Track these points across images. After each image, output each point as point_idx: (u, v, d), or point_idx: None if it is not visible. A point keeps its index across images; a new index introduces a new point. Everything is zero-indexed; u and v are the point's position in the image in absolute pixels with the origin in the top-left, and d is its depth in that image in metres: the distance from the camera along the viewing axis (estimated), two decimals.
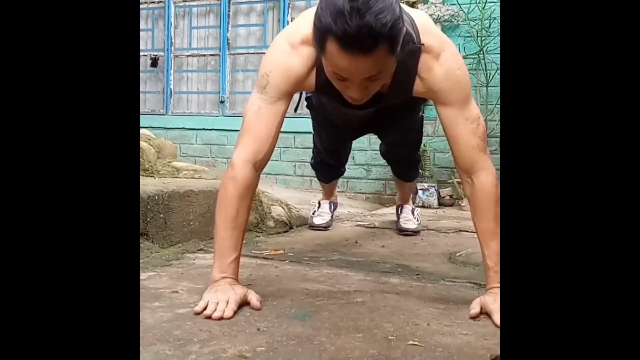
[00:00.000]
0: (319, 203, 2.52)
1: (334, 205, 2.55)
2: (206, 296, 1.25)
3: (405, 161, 2.33)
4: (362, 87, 1.21)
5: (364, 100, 1.27)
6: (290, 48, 1.33)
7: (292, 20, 4.19)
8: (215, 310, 1.20)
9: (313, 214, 2.48)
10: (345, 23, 1.08)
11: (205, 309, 1.21)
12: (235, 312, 1.21)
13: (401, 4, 1.17)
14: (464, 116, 1.33)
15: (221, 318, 1.18)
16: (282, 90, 1.34)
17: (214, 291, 1.25)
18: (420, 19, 1.37)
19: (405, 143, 2.15)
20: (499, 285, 1.22)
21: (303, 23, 1.32)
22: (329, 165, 2.33)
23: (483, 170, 1.33)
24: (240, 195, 1.31)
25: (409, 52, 1.29)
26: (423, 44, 1.31)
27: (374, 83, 1.22)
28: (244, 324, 1.16)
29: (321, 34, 1.14)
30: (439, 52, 1.32)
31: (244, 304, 1.26)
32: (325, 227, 2.42)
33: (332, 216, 2.51)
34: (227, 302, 1.22)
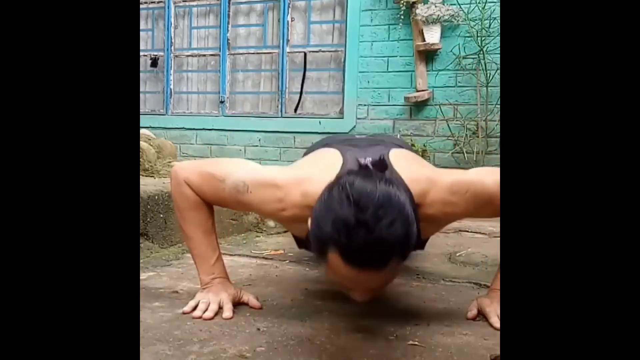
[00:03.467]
0: None
1: None
2: (198, 296, 1.25)
3: None
4: (368, 290, 1.05)
5: (367, 300, 1.08)
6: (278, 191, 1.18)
7: (292, 20, 4.20)
8: (207, 310, 1.20)
9: None
10: (351, 238, 0.91)
11: (195, 308, 1.21)
12: (234, 312, 1.21)
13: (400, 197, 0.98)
14: (485, 213, 1.22)
15: (212, 318, 1.18)
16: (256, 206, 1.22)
17: (207, 291, 1.25)
18: (405, 171, 1.18)
19: None
20: (499, 288, 1.22)
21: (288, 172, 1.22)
22: None
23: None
24: (196, 205, 1.26)
25: None
26: (418, 206, 1.12)
27: (382, 288, 1.08)
28: (244, 324, 1.16)
29: (321, 244, 0.97)
30: (439, 206, 1.17)
31: (239, 303, 1.26)
32: None
33: None
34: (220, 303, 1.22)
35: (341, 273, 0.97)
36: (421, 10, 3.54)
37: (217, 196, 1.24)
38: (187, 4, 4.56)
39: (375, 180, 0.97)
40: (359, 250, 0.92)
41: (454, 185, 1.17)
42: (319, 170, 1.20)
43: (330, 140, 1.49)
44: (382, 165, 1.11)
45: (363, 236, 0.91)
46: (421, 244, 1.42)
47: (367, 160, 1.15)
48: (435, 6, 3.53)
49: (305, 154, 1.53)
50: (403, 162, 1.21)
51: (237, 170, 1.23)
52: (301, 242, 1.58)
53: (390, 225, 0.92)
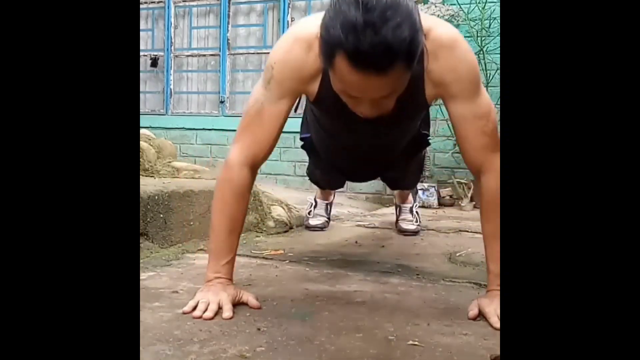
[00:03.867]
0: (315, 201, 2.48)
1: (330, 206, 2.53)
2: (198, 296, 1.25)
3: (405, 187, 2.32)
4: (374, 103, 1.09)
5: (374, 115, 1.15)
6: (299, 42, 1.21)
7: (292, 21, 4.20)
8: (206, 310, 1.20)
9: (309, 213, 2.46)
10: (357, 38, 0.94)
11: (194, 308, 1.21)
12: (234, 312, 1.21)
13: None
14: (472, 112, 1.24)
15: (212, 318, 1.18)
16: (286, 87, 1.25)
17: (206, 291, 1.25)
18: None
19: (407, 176, 2.11)
20: (498, 288, 1.22)
21: (317, 19, 1.19)
22: (326, 186, 2.33)
23: (490, 172, 1.25)
24: (237, 197, 1.28)
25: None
26: (425, 35, 1.13)
27: (388, 99, 1.11)
28: (244, 324, 1.16)
29: (329, 47, 1.00)
30: (444, 43, 1.20)
31: (238, 303, 1.26)
32: (321, 229, 2.41)
33: (329, 217, 2.50)
34: (219, 303, 1.22)
35: (347, 79, 1.00)
36: (421, 11, 3.54)
37: (264, 116, 1.25)
38: (187, 4, 4.56)
39: None
40: (365, 51, 0.94)
41: (469, 63, 1.22)
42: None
43: None
44: None
45: (369, 37, 0.93)
46: (426, 139, 1.70)
47: None
48: (435, 6, 3.53)
49: None
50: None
51: (255, 89, 1.29)
52: (306, 144, 1.77)
53: (397, 27, 0.94)
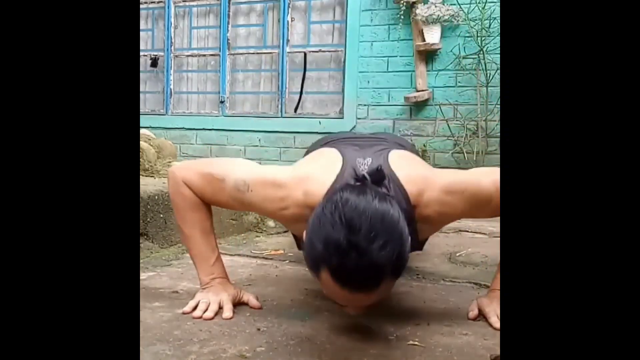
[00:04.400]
0: None
1: None
2: (198, 296, 1.25)
3: None
4: (362, 308, 1.06)
5: (362, 313, 1.09)
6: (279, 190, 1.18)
7: (292, 20, 4.20)
8: (207, 310, 1.20)
9: None
10: (342, 260, 0.91)
11: (195, 308, 1.21)
12: (234, 312, 1.21)
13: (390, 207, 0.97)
14: (482, 214, 1.21)
15: (212, 318, 1.18)
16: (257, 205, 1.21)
17: (207, 291, 1.25)
18: (402, 171, 1.17)
19: None
20: (499, 288, 1.22)
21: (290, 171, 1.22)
22: None
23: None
24: (195, 207, 1.26)
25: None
26: (414, 206, 1.14)
27: (376, 304, 1.06)
28: (244, 324, 1.16)
29: (314, 262, 0.97)
30: (435, 206, 1.16)
31: (239, 303, 1.26)
32: None
33: None
34: (220, 303, 1.22)
35: (333, 291, 0.97)
36: (421, 10, 3.54)
37: (217, 196, 1.23)
38: (187, 4, 4.56)
39: (369, 197, 0.97)
40: (350, 273, 0.92)
41: (450, 185, 1.17)
42: (320, 169, 1.20)
43: (330, 138, 1.48)
44: (379, 176, 1.11)
45: (354, 259, 0.90)
46: (419, 245, 1.42)
47: (365, 168, 1.16)
48: (435, 6, 3.53)
49: (307, 152, 1.53)
50: (401, 163, 1.21)
51: (237, 170, 1.23)
52: (301, 242, 1.58)
53: (382, 247, 0.91)
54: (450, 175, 1.23)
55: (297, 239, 1.47)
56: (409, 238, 0.99)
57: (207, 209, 1.28)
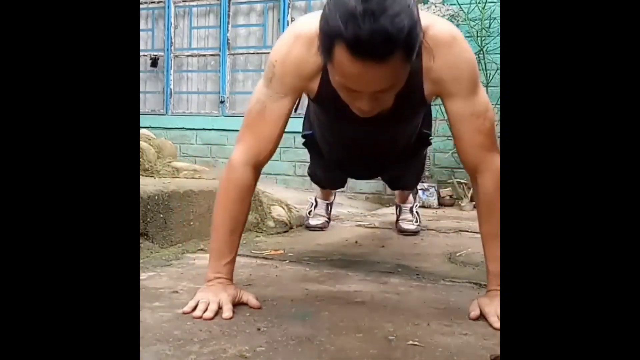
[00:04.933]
0: (316, 201, 2.48)
1: (330, 206, 2.53)
2: (198, 296, 1.25)
3: (406, 187, 2.32)
4: (373, 97, 1.09)
5: (374, 112, 1.15)
6: (300, 40, 1.22)
7: (292, 21, 4.20)
8: (206, 310, 1.20)
9: (309, 213, 2.47)
10: (357, 27, 0.96)
11: (194, 308, 1.21)
12: (234, 312, 1.21)
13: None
14: (470, 110, 1.24)
15: (212, 318, 1.18)
16: (288, 85, 1.25)
17: (206, 291, 1.25)
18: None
19: (408, 176, 2.11)
20: (497, 288, 1.22)
21: (316, 17, 1.19)
22: (327, 185, 2.34)
23: (487, 172, 1.25)
24: (240, 197, 1.29)
25: None
26: (423, 33, 1.13)
27: (386, 94, 1.11)
28: (244, 324, 1.16)
29: (329, 39, 1.01)
30: (442, 40, 1.19)
31: (238, 303, 1.26)
32: (321, 229, 2.41)
33: (329, 217, 2.50)
34: (219, 303, 1.22)
35: (347, 70, 1.01)
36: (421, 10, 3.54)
37: (266, 114, 1.26)
38: (187, 4, 4.56)
39: None
40: (365, 39, 0.96)
41: (469, 63, 1.23)
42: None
43: None
44: None
45: (368, 25, 0.95)
46: (427, 138, 1.71)
47: None
48: (435, 6, 3.53)
49: None
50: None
51: (259, 83, 1.29)
52: (308, 141, 1.79)
53: (396, 16, 0.96)
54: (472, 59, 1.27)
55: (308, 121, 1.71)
56: (420, 26, 1.03)
57: (249, 202, 1.30)
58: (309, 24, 1.21)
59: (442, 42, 1.20)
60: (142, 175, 2.41)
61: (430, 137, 1.81)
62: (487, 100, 1.28)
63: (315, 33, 1.10)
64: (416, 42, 1.02)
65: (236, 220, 1.29)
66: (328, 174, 2.10)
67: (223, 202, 1.30)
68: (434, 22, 1.21)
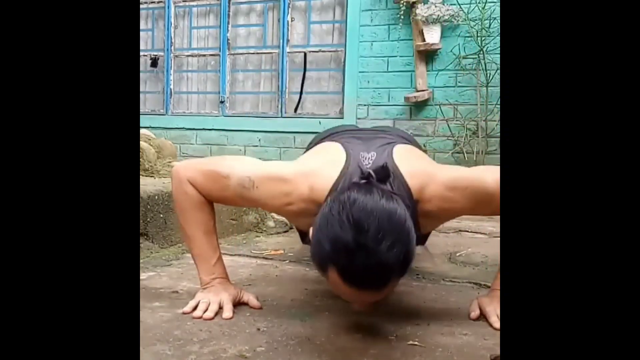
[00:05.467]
0: None
1: None
2: (198, 296, 1.25)
3: None
4: (368, 304, 1.06)
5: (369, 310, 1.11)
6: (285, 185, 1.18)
7: (292, 20, 4.20)
8: (207, 310, 1.20)
9: None
10: (350, 260, 0.92)
11: (195, 308, 1.21)
12: (234, 312, 1.21)
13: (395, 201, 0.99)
14: (483, 211, 1.21)
15: (212, 318, 1.18)
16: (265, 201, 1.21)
17: (207, 292, 1.25)
18: (406, 166, 1.18)
19: None
20: (499, 288, 1.22)
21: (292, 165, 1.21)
22: None
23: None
24: (198, 206, 1.25)
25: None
26: (416, 201, 1.15)
27: (382, 300, 1.07)
28: (244, 324, 1.16)
29: (321, 261, 0.98)
30: (437, 201, 1.16)
31: (239, 303, 1.26)
32: None
33: None
34: (220, 303, 1.22)
35: (341, 290, 0.98)
36: (421, 10, 3.54)
37: (222, 193, 1.23)
38: (187, 4, 4.56)
39: (377, 197, 0.97)
40: (359, 272, 0.93)
41: (453, 180, 1.18)
42: (324, 164, 1.21)
43: (333, 131, 1.48)
44: (384, 173, 1.11)
45: (362, 259, 0.91)
46: (422, 239, 1.43)
47: (369, 163, 1.16)
48: (435, 6, 3.53)
49: (309, 146, 1.53)
50: (405, 157, 1.22)
51: (242, 166, 1.23)
52: (306, 237, 1.59)
53: (390, 247, 0.92)
54: (454, 171, 1.24)
55: (302, 234, 1.48)
56: (415, 236, 0.99)
57: (211, 208, 1.28)
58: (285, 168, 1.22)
59: (438, 200, 1.17)
60: (142, 175, 2.42)
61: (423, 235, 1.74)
62: (491, 189, 1.15)
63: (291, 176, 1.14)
64: (411, 261, 0.99)
65: (205, 224, 1.27)
66: None
67: (184, 213, 1.27)
68: (429, 179, 1.17)
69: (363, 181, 1.09)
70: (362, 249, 0.91)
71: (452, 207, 1.19)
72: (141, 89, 4.57)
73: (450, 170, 1.26)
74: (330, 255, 0.94)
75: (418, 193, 1.15)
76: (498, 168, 1.17)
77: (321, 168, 1.19)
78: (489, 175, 1.16)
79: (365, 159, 1.19)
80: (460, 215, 1.27)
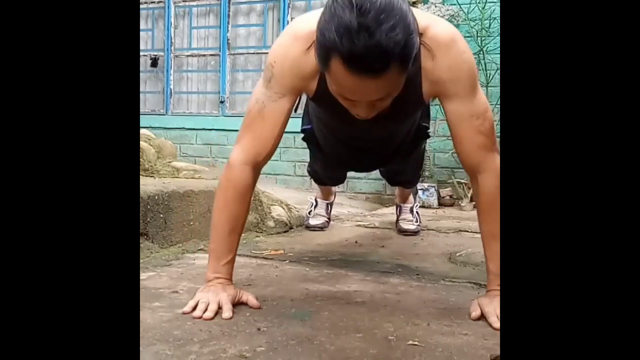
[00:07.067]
0: (316, 201, 2.48)
1: (330, 206, 2.53)
2: (198, 296, 1.25)
3: (405, 182, 2.32)
4: (370, 105, 1.10)
5: (371, 116, 1.16)
6: (298, 40, 1.21)
7: (291, 20, 4.20)
8: (206, 310, 1.20)
9: (309, 213, 2.47)
10: (352, 42, 0.95)
11: (194, 308, 1.21)
12: (233, 312, 1.21)
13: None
14: (469, 111, 1.23)
15: (212, 318, 1.18)
16: (286, 85, 1.25)
17: (206, 291, 1.25)
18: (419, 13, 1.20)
19: (407, 170, 2.12)
20: (498, 288, 1.22)
21: (314, 17, 1.17)
22: (327, 181, 2.34)
23: (487, 171, 1.25)
24: (239, 197, 1.28)
25: None
26: (422, 34, 1.14)
27: (383, 101, 1.11)
28: (244, 324, 1.16)
29: (324, 51, 1.01)
30: (441, 41, 1.19)
31: (238, 303, 1.26)
32: (321, 228, 2.41)
33: (329, 217, 2.50)
34: (219, 303, 1.22)
35: (343, 82, 1.02)
36: (421, 10, 3.55)
37: (266, 115, 1.26)
38: (187, 4, 4.56)
39: None
40: (360, 54, 0.95)
41: (457, 61, 1.20)
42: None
43: None
44: None
45: (364, 40, 0.94)
46: (425, 132, 1.71)
47: None
48: (435, 6, 3.53)
49: None
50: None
51: (257, 87, 1.29)
52: (307, 136, 1.78)
53: (391, 29, 0.95)
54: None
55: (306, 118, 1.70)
56: (417, 34, 1.02)
57: (248, 199, 1.30)
58: (306, 23, 1.21)
59: (441, 43, 1.19)
60: (142, 175, 2.41)
61: (429, 130, 1.82)
62: (485, 101, 1.28)
63: (312, 33, 1.09)
64: (412, 52, 1.01)
65: (235, 220, 1.29)
66: (327, 169, 2.11)
67: (222, 202, 1.30)
68: (433, 23, 1.21)
69: None
70: (364, 29, 0.94)
71: (456, 75, 1.21)
72: (141, 89, 4.57)
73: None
74: (334, 41, 0.96)
75: (422, 29, 1.14)
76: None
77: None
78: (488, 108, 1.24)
79: None
80: (450, 99, 1.24)
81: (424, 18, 1.20)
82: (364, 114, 1.13)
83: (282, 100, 1.26)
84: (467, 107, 1.24)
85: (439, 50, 1.20)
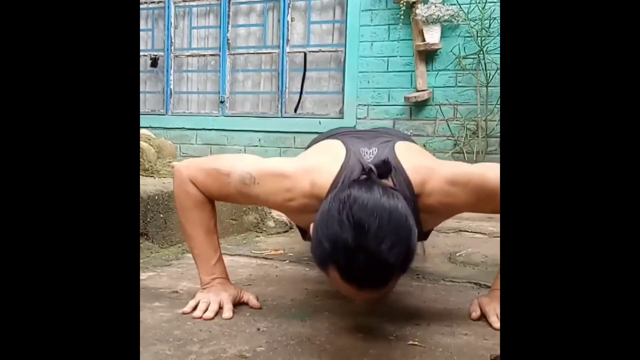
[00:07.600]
0: None
1: None
2: (198, 296, 1.25)
3: None
4: (368, 300, 1.08)
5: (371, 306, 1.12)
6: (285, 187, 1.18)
7: (292, 20, 4.20)
8: (207, 310, 1.20)
9: None
10: (350, 261, 0.91)
11: (195, 308, 1.21)
12: (234, 312, 1.21)
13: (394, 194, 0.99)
14: (485, 208, 1.21)
15: (212, 318, 1.18)
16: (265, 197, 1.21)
17: (207, 292, 1.25)
18: (408, 161, 1.19)
19: None
20: (499, 288, 1.22)
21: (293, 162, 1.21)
22: None
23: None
24: (199, 205, 1.26)
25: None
26: (417, 195, 1.15)
27: (384, 296, 1.07)
28: (244, 324, 1.16)
29: (322, 260, 0.98)
30: (438, 191, 1.17)
31: (239, 303, 1.26)
32: None
33: None
34: (220, 303, 1.22)
35: (341, 288, 0.98)
36: (421, 10, 3.54)
37: (223, 191, 1.23)
38: (187, 4, 4.56)
39: (377, 194, 0.96)
40: (359, 273, 0.92)
41: (454, 176, 1.18)
42: (325, 160, 1.21)
43: (333, 132, 1.48)
44: (385, 168, 1.10)
45: (363, 260, 0.90)
46: (423, 235, 1.43)
47: (370, 157, 1.17)
48: (435, 6, 3.53)
49: (309, 146, 1.53)
50: (407, 153, 1.22)
51: (242, 163, 1.23)
52: (306, 234, 1.61)
53: (391, 248, 0.91)
54: (455, 167, 1.24)
55: (302, 231, 1.48)
56: (416, 232, 0.99)
57: (212, 207, 1.28)
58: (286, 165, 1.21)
59: (437, 191, 1.17)
60: (142, 175, 2.41)
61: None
62: (492, 185, 1.14)
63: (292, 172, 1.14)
64: (412, 260, 0.98)
65: (206, 224, 1.27)
66: None
67: (185, 213, 1.27)
68: (428, 177, 1.17)
69: (364, 176, 1.08)
70: (363, 249, 0.90)
71: (453, 202, 1.18)
72: (141, 89, 4.57)
73: (452, 165, 1.27)
74: (331, 255, 0.94)
75: (419, 187, 1.16)
76: (499, 165, 1.17)
77: (322, 163, 1.20)
78: (490, 172, 1.16)
79: (366, 154, 1.19)
80: (461, 212, 1.27)
81: (422, 172, 1.17)
82: (364, 305, 1.10)
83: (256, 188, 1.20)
84: (481, 207, 1.22)
85: (435, 195, 1.17)
